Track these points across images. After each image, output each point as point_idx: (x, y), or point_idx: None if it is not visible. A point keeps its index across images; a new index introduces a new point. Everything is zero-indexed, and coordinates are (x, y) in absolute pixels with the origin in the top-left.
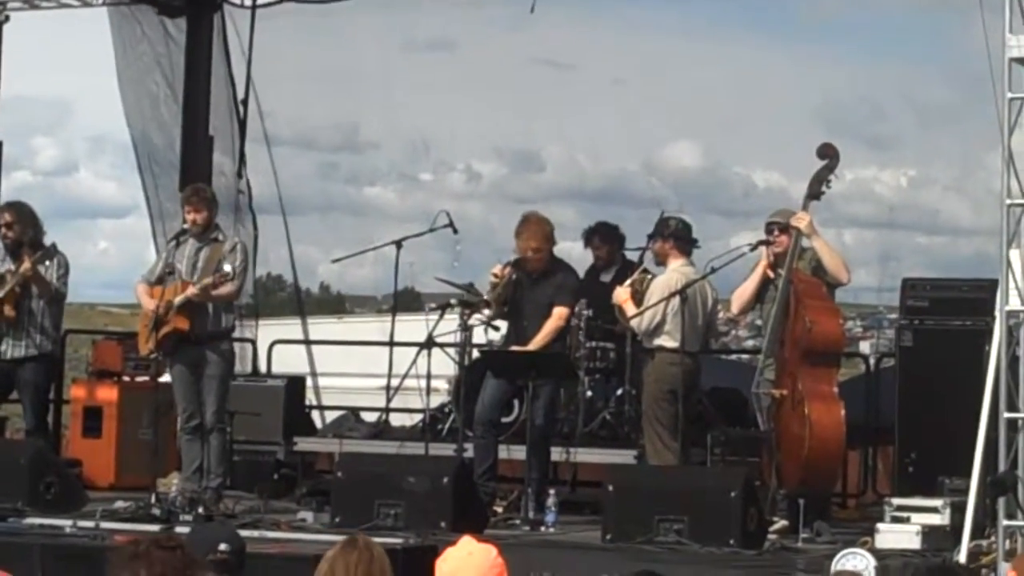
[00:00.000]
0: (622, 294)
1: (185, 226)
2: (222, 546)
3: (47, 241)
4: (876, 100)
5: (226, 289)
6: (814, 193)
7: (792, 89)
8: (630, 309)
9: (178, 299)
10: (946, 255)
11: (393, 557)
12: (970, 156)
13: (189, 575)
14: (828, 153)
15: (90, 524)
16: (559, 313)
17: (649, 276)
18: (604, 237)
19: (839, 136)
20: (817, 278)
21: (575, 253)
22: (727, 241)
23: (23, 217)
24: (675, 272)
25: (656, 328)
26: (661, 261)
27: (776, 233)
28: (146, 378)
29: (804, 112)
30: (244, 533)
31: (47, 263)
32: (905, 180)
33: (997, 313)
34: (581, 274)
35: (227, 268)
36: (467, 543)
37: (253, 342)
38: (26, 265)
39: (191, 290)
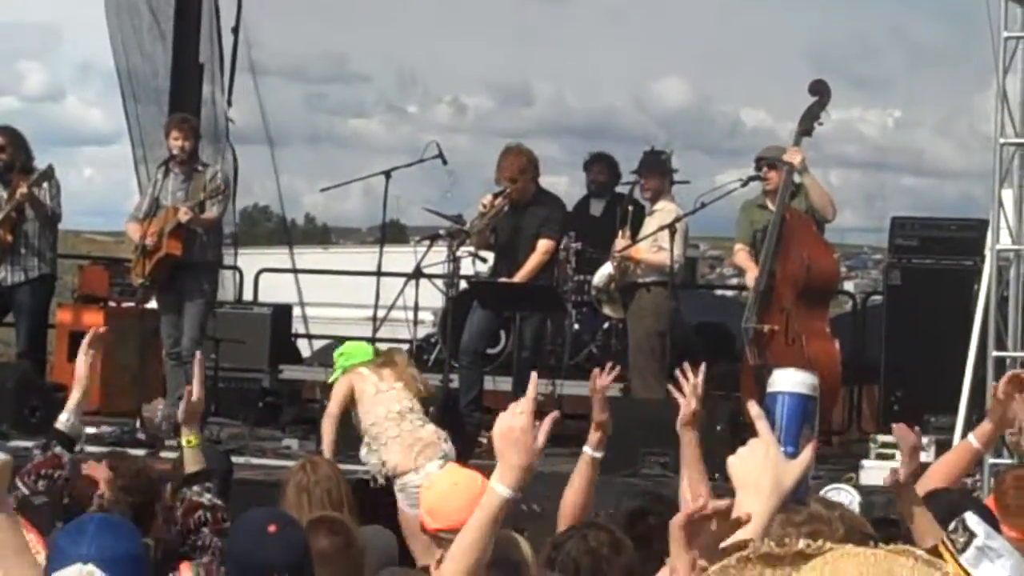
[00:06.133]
0: (621, 243)
1: (174, 152)
2: None
3: (40, 165)
4: (866, 39)
5: (211, 214)
6: (806, 129)
7: (781, 28)
8: (650, 251)
9: (170, 224)
10: (932, 196)
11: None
12: (956, 98)
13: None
14: (819, 89)
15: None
16: (544, 247)
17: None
18: (608, 165)
19: (826, 75)
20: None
21: (560, 187)
22: (712, 179)
23: (16, 141)
24: (672, 204)
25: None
26: (653, 198)
27: (765, 170)
28: (132, 304)
29: (792, 51)
30: None
31: (44, 185)
32: (891, 121)
33: (988, 252)
34: (570, 207)
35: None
36: (452, 472)
37: (239, 270)
38: (23, 189)
39: (182, 209)
